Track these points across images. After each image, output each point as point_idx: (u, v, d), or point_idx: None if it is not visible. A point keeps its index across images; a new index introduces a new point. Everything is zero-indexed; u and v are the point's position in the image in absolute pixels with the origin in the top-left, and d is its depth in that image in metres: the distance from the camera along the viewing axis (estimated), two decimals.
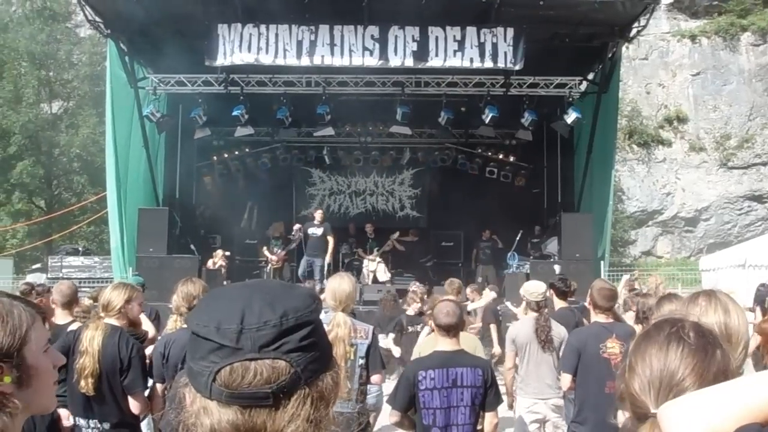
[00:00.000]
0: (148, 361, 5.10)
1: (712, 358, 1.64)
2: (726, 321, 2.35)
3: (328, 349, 1.25)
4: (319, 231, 16.38)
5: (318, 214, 16.89)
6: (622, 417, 2.51)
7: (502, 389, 5.58)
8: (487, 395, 4.71)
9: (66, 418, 4.78)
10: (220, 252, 16.86)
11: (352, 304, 5.46)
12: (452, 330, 4.77)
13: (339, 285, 5.21)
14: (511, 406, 7.21)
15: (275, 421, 1.15)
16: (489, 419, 4.77)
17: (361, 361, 5.22)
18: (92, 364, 4.76)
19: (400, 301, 11.86)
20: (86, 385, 4.75)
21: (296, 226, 17.28)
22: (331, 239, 16.33)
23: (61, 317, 6.28)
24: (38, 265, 25.88)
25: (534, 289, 6.87)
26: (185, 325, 4.79)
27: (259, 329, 1.16)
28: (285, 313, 1.18)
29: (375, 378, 5.38)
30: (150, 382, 5.08)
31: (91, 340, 4.81)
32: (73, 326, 5.74)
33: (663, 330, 1.71)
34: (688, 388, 1.57)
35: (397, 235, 17.98)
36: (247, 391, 1.14)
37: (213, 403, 1.16)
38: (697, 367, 1.60)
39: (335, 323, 4.97)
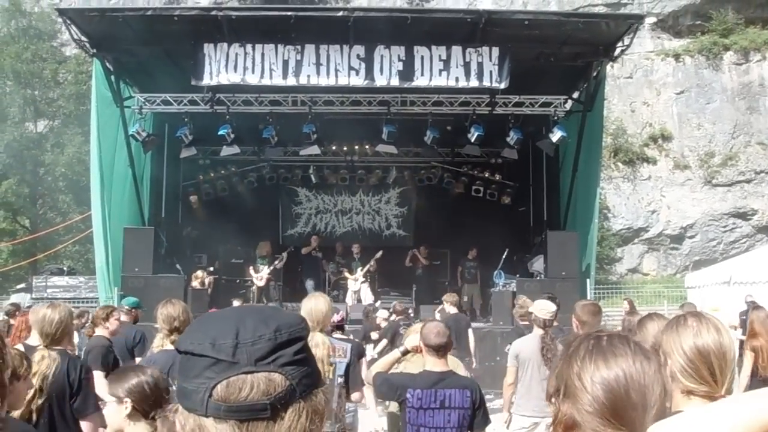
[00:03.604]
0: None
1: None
2: (720, 340, 2.36)
3: (317, 367, 1.26)
4: None
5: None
6: None
7: (498, 404, 5.56)
8: (475, 416, 4.69)
9: None
10: (200, 273, 16.50)
11: (329, 324, 5.45)
12: (442, 350, 4.74)
13: (315, 305, 5.15)
14: (507, 423, 7.15)
15: None
16: None
17: (340, 380, 5.22)
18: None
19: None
20: None
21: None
22: None
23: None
24: (22, 285, 25.73)
25: (545, 306, 6.85)
26: (168, 346, 4.74)
27: (254, 343, 1.18)
28: (278, 327, 1.20)
29: (355, 396, 5.40)
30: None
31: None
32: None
33: (624, 342, 1.69)
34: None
35: (380, 254, 17.90)
36: (245, 404, 1.15)
37: (209, 420, 1.16)
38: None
39: (313, 344, 4.80)
